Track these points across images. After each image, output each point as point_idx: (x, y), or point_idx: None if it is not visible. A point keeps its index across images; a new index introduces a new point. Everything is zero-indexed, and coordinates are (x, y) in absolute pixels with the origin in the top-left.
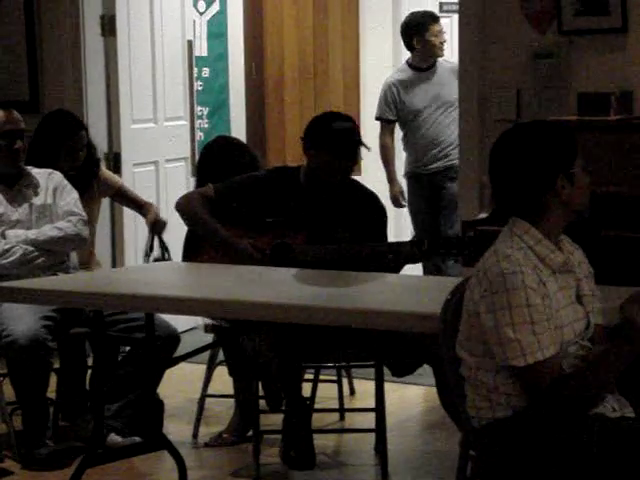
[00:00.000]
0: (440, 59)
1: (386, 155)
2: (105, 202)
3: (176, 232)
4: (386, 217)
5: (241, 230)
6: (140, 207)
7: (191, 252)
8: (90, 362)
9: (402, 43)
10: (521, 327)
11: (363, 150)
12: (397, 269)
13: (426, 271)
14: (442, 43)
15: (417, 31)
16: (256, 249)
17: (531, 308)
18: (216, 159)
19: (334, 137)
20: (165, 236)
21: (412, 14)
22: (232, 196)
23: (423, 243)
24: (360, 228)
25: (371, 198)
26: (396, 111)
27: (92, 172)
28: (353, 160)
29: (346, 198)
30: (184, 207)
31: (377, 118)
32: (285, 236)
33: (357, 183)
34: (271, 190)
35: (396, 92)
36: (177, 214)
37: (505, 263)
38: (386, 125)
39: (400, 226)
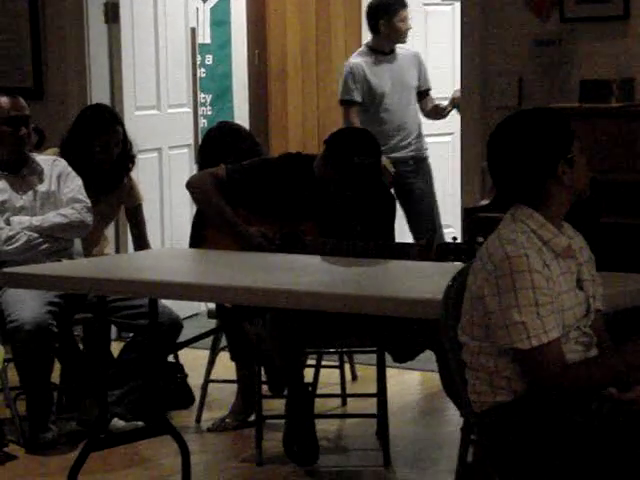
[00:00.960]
0: (398, 46)
1: None
2: None
3: (179, 219)
4: (394, 209)
5: (250, 214)
6: (141, 240)
7: (198, 238)
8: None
9: None
10: (526, 309)
11: None
12: None
13: None
14: (407, 30)
15: (385, 14)
16: (265, 237)
17: (536, 291)
18: (217, 145)
19: (349, 171)
20: (168, 223)
21: None
22: (243, 179)
23: (431, 246)
24: (371, 220)
25: (382, 188)
26: (362, 92)
27: (126, 167)
28: (359, 191)
29: (359, 191)
30: (196, 186)
31: (342, 101)
32: (295, 226)
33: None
34: (283, 177)
35: (362, 73)
36: (183, 199)
37: (510, 246)
38: (352, 107)
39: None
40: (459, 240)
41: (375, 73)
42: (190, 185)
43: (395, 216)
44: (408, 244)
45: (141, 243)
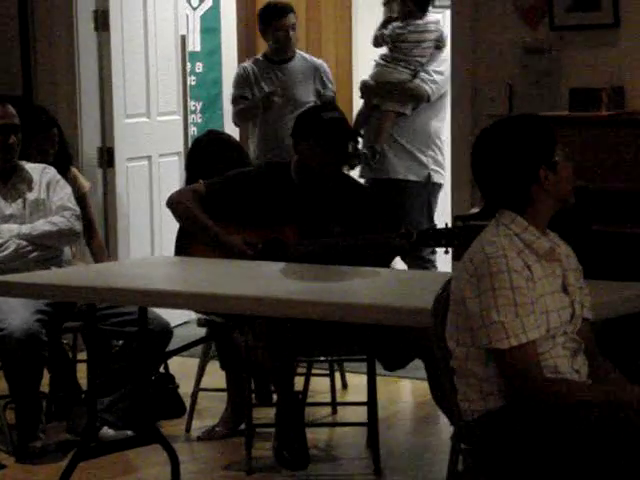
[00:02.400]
0: (304, 55)
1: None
2: (99, 198)
3: (169, 227)
4: (384, 205)
5: (233, 226)
6: (91, 229)
7: (183, 248)
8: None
9: None
10: (505, 309)
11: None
12: (387, 262)
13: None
14: (288, 39)
15: (264, 23)
16: (248, 245)
17: (515, 290)
18: (204, 153)
19: (323, 127)
20: (158, 231)
21: (268, 4)
22: (223, 192)
23: (412, 235)
24: (354, 222)
25: (362, 191)
26: (252, 93)
27: (64, 168)
28: (343, 150)
29: (338, 192)
30: (175, 204)
31: (235, 99)
32: (277, 232)
33: (349, 177)
34: (262, 185)
35: (253, 74)
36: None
37: (489, 248)
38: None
39: None
40: (450, 226)
41: (264, 79)
42: (171, 202)
43: (391, 209)
44: (389, 235)
45: (91, 232)
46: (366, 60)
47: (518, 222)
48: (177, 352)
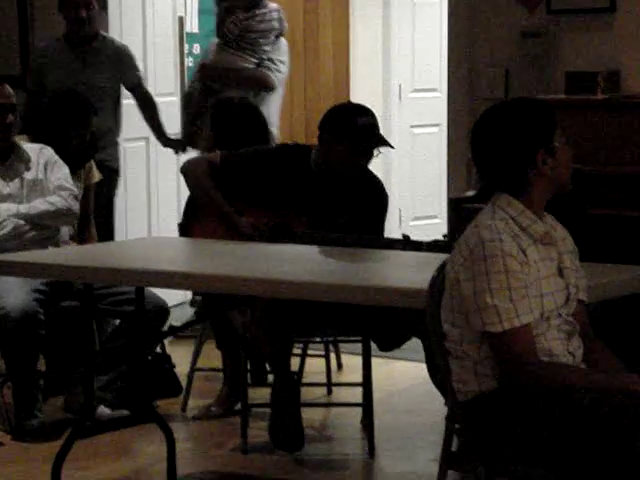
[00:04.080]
0: (107, 37)
1: None
2: None
3: (166, 208)
4: (386, 207)
5: (242, 203)
6: (87, 219)
7: (187, 226)
8: None
9: (392, 19)
10: (499, 293)
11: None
12: None
13: None
14: (80, 18)
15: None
16: (254, 228)
17: (509, 274)
18: (234, 118)
19: (358, 135)
20: (155, 213)
21: None
22: (238, 168)
23: (421, 245)
24: (359, 214)
25: (376, 185)
26: (32, 82)
27: (90, 154)
28: (371, 156)
29: (353, 185)
30: (189, 172)
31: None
32: (286, 217)
33: (366, 171)
34: (279, 168)
35: (39, 60)
36: (170, 188)
37: (484, 231)
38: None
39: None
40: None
41: (56, 66)
42: (184, 169)
43: (386, 211)
44: (393, 239)
45: (86, 225)
46: (363, 42)
47: (514, 205)
48: (174, 332)
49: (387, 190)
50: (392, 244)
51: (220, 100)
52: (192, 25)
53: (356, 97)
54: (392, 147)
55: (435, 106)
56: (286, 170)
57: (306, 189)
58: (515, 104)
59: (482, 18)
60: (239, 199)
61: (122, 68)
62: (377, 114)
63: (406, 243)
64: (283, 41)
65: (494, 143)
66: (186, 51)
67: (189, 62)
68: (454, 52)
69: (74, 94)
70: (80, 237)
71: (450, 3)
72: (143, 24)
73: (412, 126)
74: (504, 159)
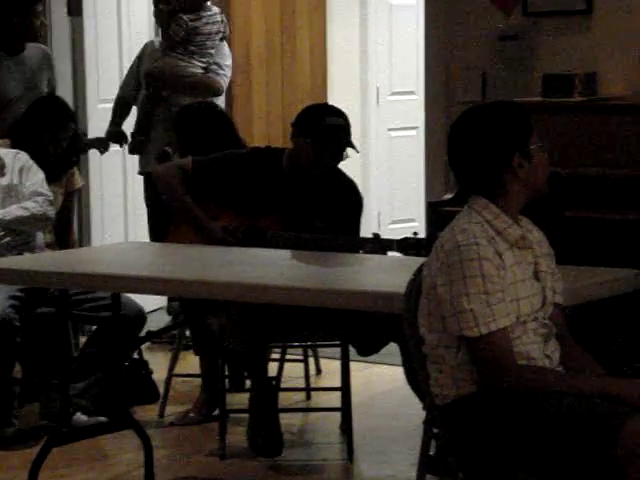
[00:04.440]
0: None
1: None
2: None
3: (142, 213)
4: (361, 208)
5: (215, 207)
6: (68, 224)
7: (159, 232)
8: None
9: (369, 22)
10: (475, 297)
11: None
12: None
13: None
14: (42, 25)
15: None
16: (228, 232)
17: (485, 278)
18: (194, 122)
19: (323, 132)
20: (132, 217)
21: None
22: (210, 173)
23: (392, 243)
24: (335, 218)
25: (350, 188)
26: None
27: (72, 160)
28: (337, 157)
29: (325, 186)
30: (160, 179)
31: None
32: (259, 220)
33: (338, 170)
34: (251, 171)
35: None
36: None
37: (460, 236)
38: None
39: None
40: (420, 235)
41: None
42: (155, 175)
43: (361, 211)
44: (364, 238)
45: (67, 229)
46: (340, 46)
47: (490, 209)
48: (151, 337)
49: (365, 193)
50: (363, 243)
51: (185, 107)
52: None
53: (334, 100)
54: (357, 150)
55: (413, 109)
56: (258, 173)
57: (279, 191)
58: (491, 107)
59: (459, 21)
60: (212, 204)
61: (50, 70)
62: (355, 117)
63: (377, 242)
64: (226, 45)
65: (470, 146)
66: None
67: None
68: (431, 55)
69: (53, 99)
70: (60, 242)
71: (427, 6)
72: (119, 28)
73: (390, 129)
74: (480, 162)
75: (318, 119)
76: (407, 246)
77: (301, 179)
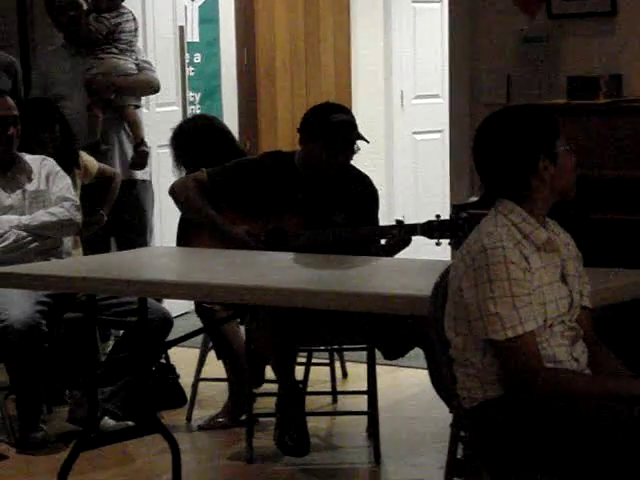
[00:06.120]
0: None
1: None
2: None
3: (170, 217)
4: (377, 198)
5: (235, 215)
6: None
7: (184, 237)
8: None
9: (393, 25)
10: (502, 301)
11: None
12: (391, 254)
13: None
14: None
15: None
16: (250, 235)
17: (512, 282)
18: (192, 139)
19: (332, 131)
20: (158, 221)
21: None
22: (226, 182)
23: (416, 228)
24: (354, 210)
25: (363, 180)
26: None
27: (69, 161)
28: (350, 152)
29: (339, 182)
30: (178, 193)
31: None
32: (281, 221)
33: (352, 167)
34: (267, 175)
35: None
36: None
37: (487, 239)
38: None
39: (392, 204)
40: (443, 217)
41: None
42: (173, 191)
43: (377, 204)
44: (388, 226)
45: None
46: (364, 52)
47: (517, 212)
48: (177, 342)
49: (390, 196)
50: (387, 230)
51: (181, 125)
52: (193, 34)
53: (358, 104)
54: (367, 141)
55: (437, 112)
56: (274, 177)
57: (296, 192)
58: (517, 110)
59: (483, 23)
60: (232, 212)
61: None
62: (379, 121)
63: (400, 227)
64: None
65: (496, 149)
66: (187, 60)
67: (190, 71)
68: (455, 58)
69: (40, 102)
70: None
71: (451, 9)
72: (144, 34)
73: (414, 132)
74: (506, 165)
75: (324, 119)
76: (431, 229)
77: (316, 178)
